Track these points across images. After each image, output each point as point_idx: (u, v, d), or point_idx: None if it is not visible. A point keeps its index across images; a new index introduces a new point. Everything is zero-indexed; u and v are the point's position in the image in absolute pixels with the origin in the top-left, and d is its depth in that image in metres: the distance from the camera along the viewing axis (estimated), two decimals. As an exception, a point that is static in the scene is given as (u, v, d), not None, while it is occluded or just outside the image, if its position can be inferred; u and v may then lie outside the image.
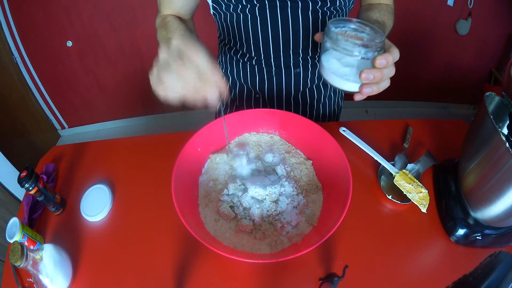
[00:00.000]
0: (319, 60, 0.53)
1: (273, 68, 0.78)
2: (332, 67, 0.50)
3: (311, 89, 0.84)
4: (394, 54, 0.47)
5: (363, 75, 0.47)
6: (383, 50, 0.48)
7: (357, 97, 0.51)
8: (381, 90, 0.50)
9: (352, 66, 0.49)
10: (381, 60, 0.46)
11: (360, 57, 0.47)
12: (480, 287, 0.32)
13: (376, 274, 0.57)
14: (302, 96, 0.85)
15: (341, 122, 0.81)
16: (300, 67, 0.79)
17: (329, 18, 0.72)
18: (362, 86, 0.49)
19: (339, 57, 0.50)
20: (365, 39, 0.48)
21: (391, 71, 0.49)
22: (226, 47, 0.82)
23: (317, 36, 0.54)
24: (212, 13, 0.77)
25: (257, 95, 0.85)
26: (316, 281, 0.55)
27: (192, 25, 0.73)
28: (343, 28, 0.50)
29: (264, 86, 0.82)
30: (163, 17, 0.66)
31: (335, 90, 0.90)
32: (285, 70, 0.78)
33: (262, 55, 0.76)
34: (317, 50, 0.77)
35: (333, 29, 0.48)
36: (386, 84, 0.50)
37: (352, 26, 0.50)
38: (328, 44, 0.49)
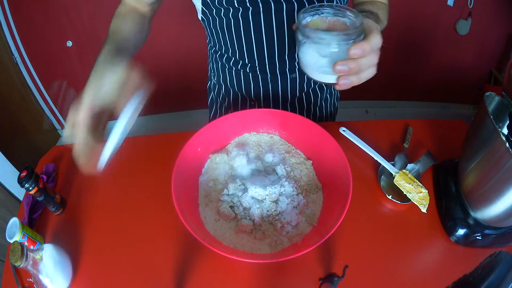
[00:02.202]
0: (297, 54, 0.50)
1: (268, 75, 0.76)
2: (308, 60, 0.46)
3: (308, 93, 0.83)
4: (373, 41, 0.41)
5: (337, 67, 0.41)
6: (363, 34, 0.42)
7: (338, 87, 0.46)
8: (363, 80, 0.44)
9: (328, 56, 0.43)
10: (355, 50, 0.40)
11: (333, 48, 0.42)
12: (480, 287, 0.32)
13: (376, 274, 0.57)
14: (299, 101, 0.83)
15: (341, 122, 0.81)
16: (296, 72, 0.76)
17: None
18: (338, 78, 0.44)
19: (314, 48, 0.45)
20: (337, 28, 0.43)
21: (372, 59, 0.43)
22: (217, 54, 0.79)
23: (295, 26, 0.49)
24: (200, 18, 0.73)
25: (252, 102, 0.83)
26: (316, 281, 0.55)
27: (144, 19, 0.66)
28: (321, 15, 0.45)
29: (260, 93, 0.80)
30: (116, 20, 0.61)
31: (331, 91, 0.89)
32: (281, 76, 0.76)
33: (257, 62, 0.73)
34: None
35: (302, 21, 0.44)
36: (369, 73, 0.44)
37: (328, 11, 0.44)
38: (300, 36, 0.45)
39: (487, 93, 0.56)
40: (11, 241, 0.54)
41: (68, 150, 0.77)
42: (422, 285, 0.56)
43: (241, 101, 0.84)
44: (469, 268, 0.35)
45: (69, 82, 1.99)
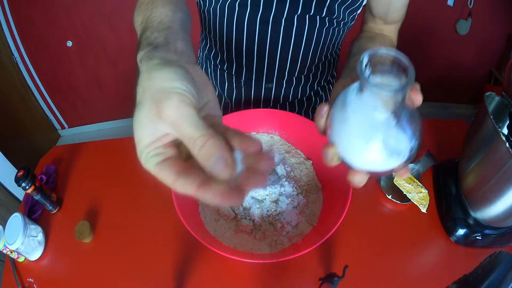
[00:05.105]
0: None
1: (243, 77, 0.71)
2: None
3: (284, 106, 0.77)
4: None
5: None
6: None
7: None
8: None
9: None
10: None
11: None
12: (480, 287, 0.32)
13: (376, 274, 0.57)
14: None
15: (341, 122, 0.81)
16: (273, 83, 0.71)
17: (318, 32, 0.63)
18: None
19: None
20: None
21: None
22: (202, 43, 0.76)
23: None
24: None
25: (226, 101, 0.79)
26: (316, 281, 0.55)
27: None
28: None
29: (233, 93, 0.76)
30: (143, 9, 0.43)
31: (314, 109, 0.80)
32: (256, 83, 0.72)
33: (234, 59, 0.69)
34: (297, 66, 0.68)
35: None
36: None
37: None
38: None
39: (487, 93, 0.56)
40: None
41: (68, 150, 0.78)
42: (422, 285, 0.56)
43: (217, 96, 0.79)
44: (469, 268, 0.35)
45: (69, 82, 2.00)
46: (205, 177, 0.23)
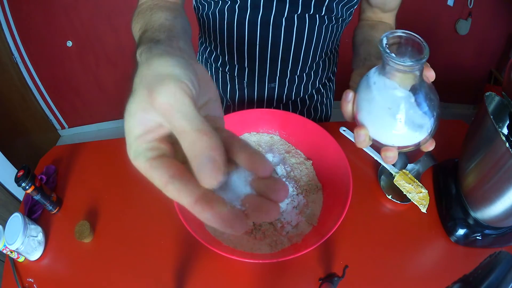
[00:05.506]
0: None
1: (245, 78, 0.72)
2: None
3: (286, 105, 0.78)
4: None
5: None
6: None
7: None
8: None
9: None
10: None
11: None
12: (480, 287, 0.32)
13: (376, 274, 0.57)
14: None
15: (341, 122, 0.81)
16: (275, 82, 0.72)
17: (318, 30, 0.63)
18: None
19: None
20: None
21: None
22: (202, 46, 0.76)
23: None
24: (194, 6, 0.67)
25: (228, 103, 0.79)
26: (316, 281, 0.55)
27: (176, 5, 0.48)
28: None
29: (235, 95, 0.76)
30: (142, 16, 0.43)
31: (316, 106, 0.81)
32: (259, 82, 0.72)
33: (236, 61, 0.69)
34: (299, 64, 0.69)
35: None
36: None
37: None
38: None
39: (487, 93, 0.56)
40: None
41: (68, 150, 0.78)
42: (422, 285, 0.56)
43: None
44: (469, 268, 0.35)
45: (69, 82, 2.00)
46: (206, 191, 0.20)
